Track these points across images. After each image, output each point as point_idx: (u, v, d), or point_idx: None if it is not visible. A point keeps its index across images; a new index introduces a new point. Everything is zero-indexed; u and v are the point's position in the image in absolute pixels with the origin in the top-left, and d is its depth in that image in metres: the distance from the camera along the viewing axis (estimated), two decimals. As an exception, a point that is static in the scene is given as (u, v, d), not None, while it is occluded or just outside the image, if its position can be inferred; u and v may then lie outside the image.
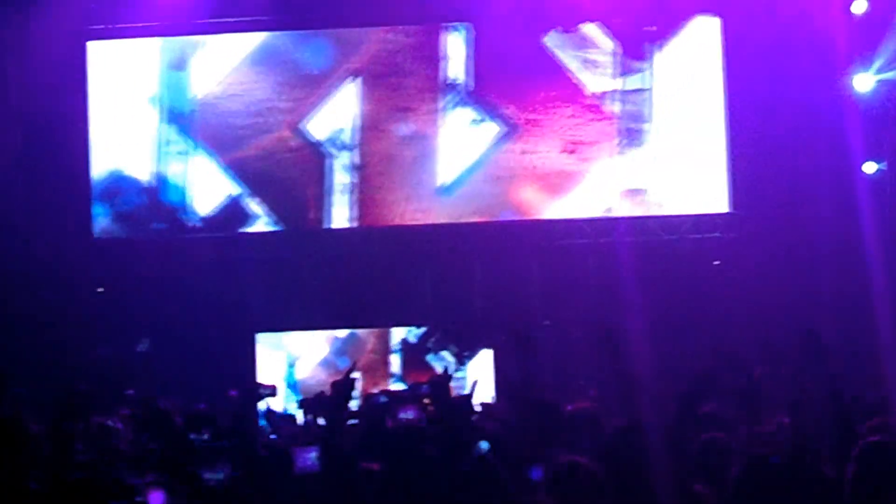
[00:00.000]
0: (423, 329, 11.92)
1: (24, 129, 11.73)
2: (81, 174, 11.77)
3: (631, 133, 10.74)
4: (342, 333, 12.00)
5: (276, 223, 10.43)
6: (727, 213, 11.64)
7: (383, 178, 10.15)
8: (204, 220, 11.05)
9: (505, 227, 11.75)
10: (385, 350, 11.80)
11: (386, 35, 9.68)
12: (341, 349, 11.91)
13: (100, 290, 12.08)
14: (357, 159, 10.03)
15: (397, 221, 10.63)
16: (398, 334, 11.97)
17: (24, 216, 11.78)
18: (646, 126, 10.86)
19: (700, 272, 11.60)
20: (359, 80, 9.89)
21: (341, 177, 10.14)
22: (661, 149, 11.37)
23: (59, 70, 11.64)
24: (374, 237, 11.79)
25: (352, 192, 10.16)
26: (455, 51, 9.76)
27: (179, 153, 10.94)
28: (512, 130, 9.87)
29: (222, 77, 10.46)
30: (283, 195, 10.02)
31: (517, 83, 9.76)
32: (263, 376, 11.65)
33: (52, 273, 11.59)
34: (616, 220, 11.70)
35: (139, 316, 11.89)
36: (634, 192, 10.74)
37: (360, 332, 11.98)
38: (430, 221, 10.59)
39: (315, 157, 10.03)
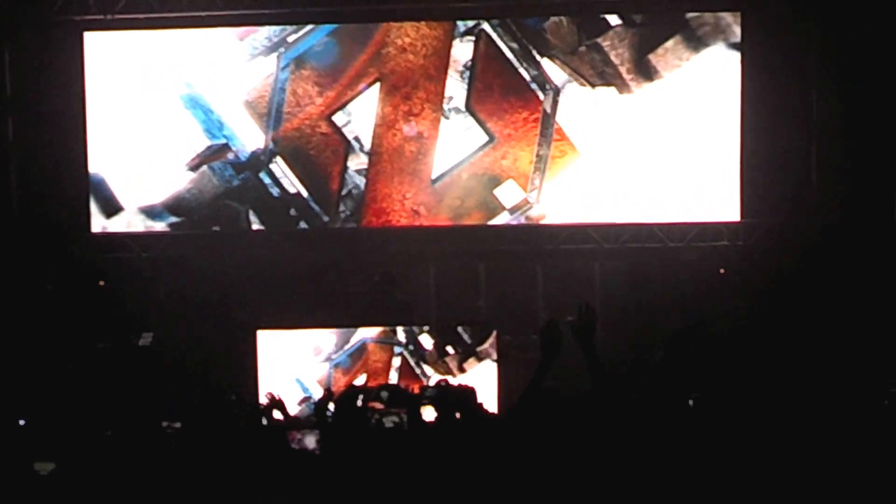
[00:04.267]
0: (424, 333, 11.71)
1: (19, 121, 11.70)
2: (79, 168, 11.73)
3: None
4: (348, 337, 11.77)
5: (306, 197, 11.69)
6: (734, 222, 11.55)
7: (390, 165, 11.55)
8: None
9: (510, 230, 11.78)
10: (388, 357, 11.74)
11: (406, 55, 11.34)
12: (343, 350, 11.73)
13: (101, 283, 11.98)
14: (371, 148, 11.48)
15: (398, 205, 11.57)
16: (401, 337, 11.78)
17: (22, 210, 11.73)
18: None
19: (705, 280, 11.50)
20: (379, 85, 11.41)
21: (359, 160, 11.53)
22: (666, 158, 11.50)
23: (55, 61, 11.59)
24: (378, 236, 11.86)
25: (365, 174, 11.62)
26: (456, 75, 11.38)
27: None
28: (492, 140, 11.30)
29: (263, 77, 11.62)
30: (313, 169, 11.64)
31: (500, 104, 11.32)
32: (265, 374, 11.48)
33: (50, 267, 11.55)
34: (622, 226, 11.66)
35: (139, 311, 11.79)
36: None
37: (365, 337, 11.75)
38: (423, 205, 11.51)
39: (340, 142, 11.49)
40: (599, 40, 11.40)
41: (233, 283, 11.90)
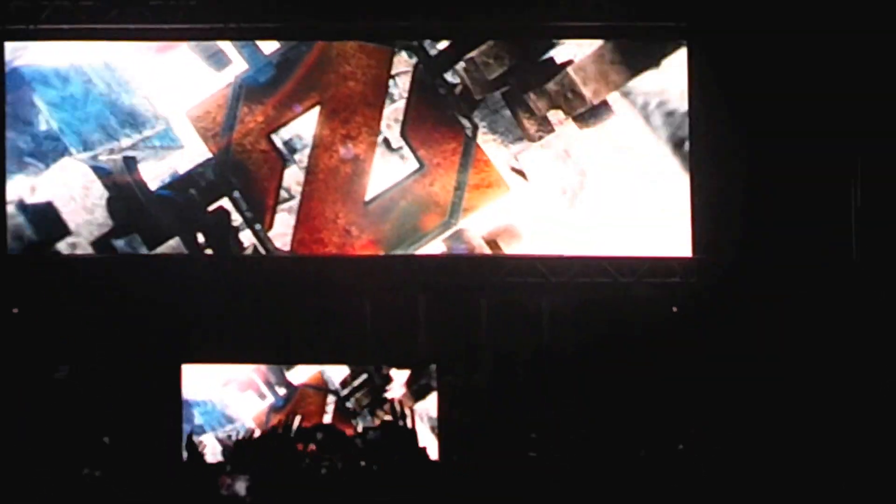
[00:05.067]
0: (360, 377, 11.42)
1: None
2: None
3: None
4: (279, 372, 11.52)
5: (243, 211, 11.44)
6: (688, 258, 11.14)
7: (325, 185, 11.37)
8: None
9: (451, 261, 11.33)
10: (322, 398, 11.49)
11: (347, 81, 11.30)
12: (276, 391, 11.49)
13: (14, 310, 11.30)
14: (308, 167, 11.32)
15: (330, 224, 11.37)
16: (336, 375, 11.45)
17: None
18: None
19: (657, 318, 11.07)
20: (319, 108, 11.32)
21: (296, 178, 11.34)
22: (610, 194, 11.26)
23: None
24: (312, 266, 11.32)
25: (301, 191, 11.42)
26: (393, 104, 11.33)
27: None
28: (423, 167, 11.24)
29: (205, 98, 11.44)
30: (250, 184, 11.44)
31: (431, 134, 11.27)
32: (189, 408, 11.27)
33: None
34: (571, 259, 11.20)
35: (56, 340, 11.16)
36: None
37: (296, 376, 11.51)
38: (355, 225, 11.34)
39: (278, 159, 11.32)
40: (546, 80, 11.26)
41: (159, 311, 11.21)
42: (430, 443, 11.07)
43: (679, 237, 11.13)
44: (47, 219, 11.20)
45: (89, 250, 11.20)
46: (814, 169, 10.86)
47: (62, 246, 11.22)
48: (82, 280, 11.19)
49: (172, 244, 11.27)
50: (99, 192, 11.21)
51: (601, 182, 11.20)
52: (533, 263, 11.23)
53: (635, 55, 11.18)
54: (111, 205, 11.21)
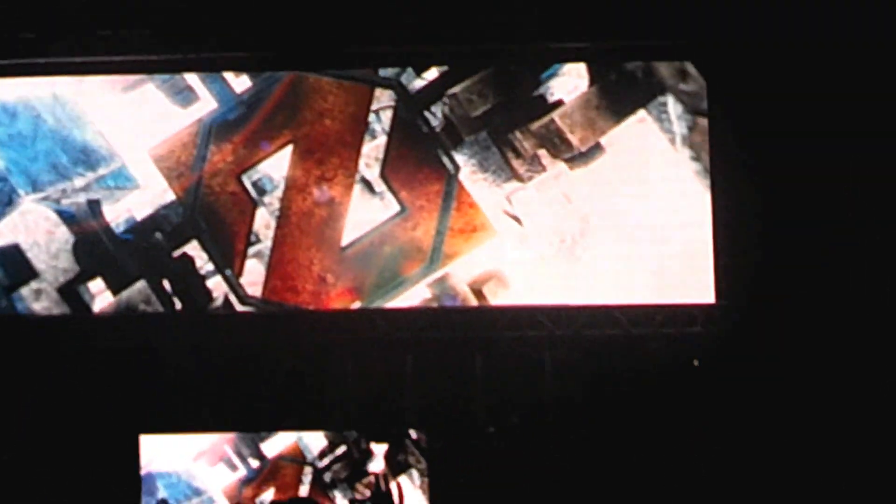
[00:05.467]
0: (339, 448, 10.36)
1: None
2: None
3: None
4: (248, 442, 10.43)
5: (211, 257, 10.58)
6: (711, 305, 10.01)
7: (298, 229, 10.55)
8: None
9: (442, 314, 10.25)
10: (298, 470, 10.48)
11: (323, 119, 10.52)
12: (249, 462, 10.45)
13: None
14: (280, 211, 10.52)
15: (304, 271, 10.53)
16: (314, 445, 10.37)
17: None
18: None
19: (676, 373, 9.99)
20: (292, 147, 10.50)
21: (267, 221, 10.53)
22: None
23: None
24: (286, 322, 10.30)
25: (273, 236, 10.60)
26: (372, 143, 10.54)
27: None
28: (404, 210, 10.44)
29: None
30: (219, 228, 10.61)
31: (414, 175, 10.47)
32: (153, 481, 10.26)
33: None
34: (577, 309, 10.09)
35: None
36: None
37: (271, 447, 10.45)
38: (331, 272, 10.49)
39: (248, 202, 10.49)
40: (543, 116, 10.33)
41: (114, 373, 10.23)
42: (421, 517, 10.09)
43: (700, 281, 10.02)
44: (15, 261, 10.38)
45: (55, 296, 10.36)
46: (856, 203, 9.83)
47: (26, 292, 10.37)
48: (28, 338, 10.23)
49: (139, 287, 10.38)
50: (64, 237, 10.36)
51: (606, 226, 10.19)
52: (534, 314, 10.12)
53: (622, 99, 10.26)
54: (76, 250, 10.36)
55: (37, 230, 10.37)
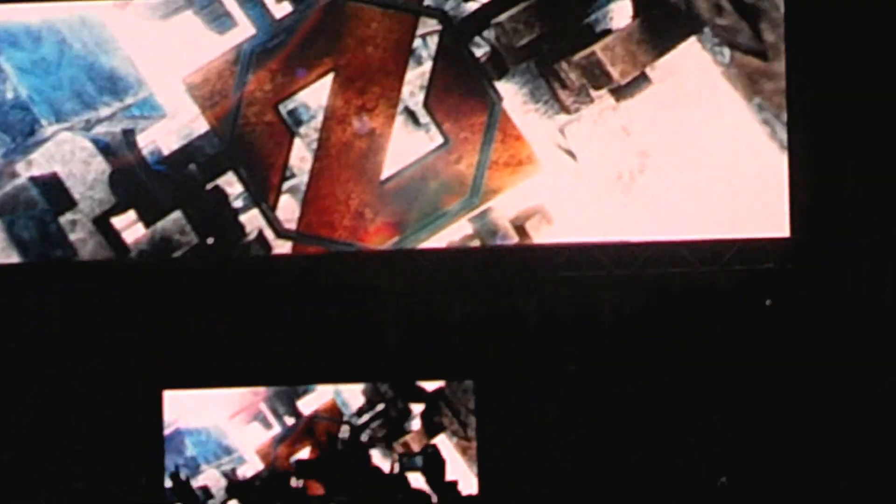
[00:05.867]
0: (377, 406, 9.85)
1: None
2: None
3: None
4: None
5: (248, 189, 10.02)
6: (785, 239, 9.32)
7: (336, 162, 10.01)
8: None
9: (491, 253, 9.61)
10: (335, 429, 9.91)
11: (365, 47, 10.01)
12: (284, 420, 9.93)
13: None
14: (318, 143, 9.99)
15: (341, 206, 9.92)
16: (352, 402, 9.83)
17: None
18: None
19: (747, 315, 9.28)
20: (332, 76, 10.00)
21: (303, 154, 9.99)
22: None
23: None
24: (322, 265, 9.70)
25: (310, 169, 10.06)
26: (416, 72, 10.05)
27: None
28: (448, 142, 9.93)
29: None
30: (254, 160, 10.07)
31: (458, 106, 9.98)
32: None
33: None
34: (638, 246, 9.40)
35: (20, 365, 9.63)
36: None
37: (307, 404, 9.93)
38: (369, 207, 9.91)
39: (285, 133, 9.96)
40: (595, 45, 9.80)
41: (137, 322, 9.66)
42: (464, 475, 9.44)
43: (773, 214, 9.34)
44: (55, 191, 9.87)
45: (90, 227, 9.85)
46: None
47: (62, 221, 9.86)
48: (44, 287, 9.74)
49: (174, 217, 9.87)
50: (101, 168, 9.85)
51: (666, 160, 9.56)
52: (591, 253, 9.45)
53: (664, 32, 9.71)
54: (112, 181, 9.85)
55: (73, 160, 9.89)
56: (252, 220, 9.77)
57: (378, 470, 9.40)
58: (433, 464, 9.42)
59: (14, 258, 9.73)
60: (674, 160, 9.53)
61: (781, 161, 9.33)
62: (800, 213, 9.26)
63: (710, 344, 9.12)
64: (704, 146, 9.49)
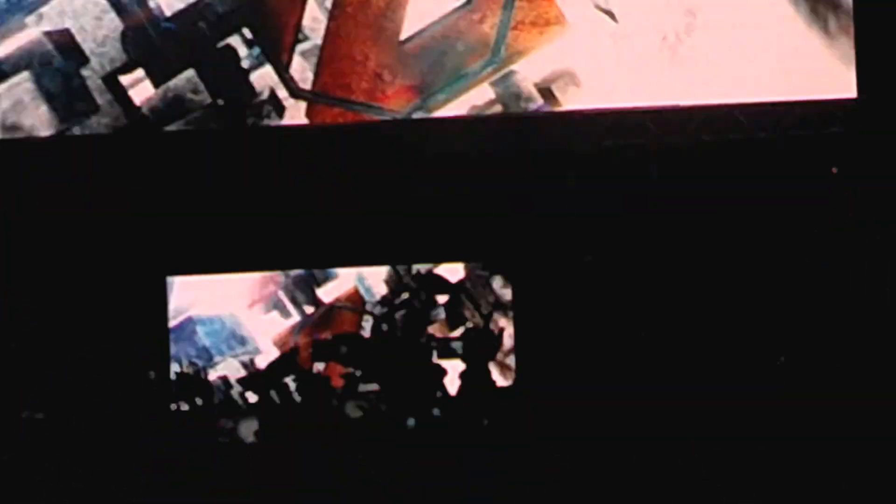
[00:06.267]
0: (400, 296, 9.51)
1: None
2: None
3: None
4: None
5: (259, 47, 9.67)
6: (852, 100, 8.84)
7: (353, 21, 9.66)
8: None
9: (524, 121, 9.17)
10: (357, 319, 9.63)
11: None
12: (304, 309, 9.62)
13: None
14: (334, 1, 9.64)
15: (359, 67, 9.61)
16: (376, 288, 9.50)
17: None
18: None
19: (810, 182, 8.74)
20: None
21: (317, 13, 9.71)
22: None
23: None
24: (340, 138, 9.20)
25: (326, 28, 9.72)
26: None
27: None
28: (471, 1, 9.61)
29: None
30: (268, 17, 9.76)
31: None
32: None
33: None
34: (688, 110, 8.88)
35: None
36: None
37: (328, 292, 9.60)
38: (388, 69, 9.59)
39: None
40: None
41: (138, 203, 9.04)
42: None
43: (838, 73, 8.90)
44: (68, 47, 9.59)
45: (99, 85, 9.53)
46: None
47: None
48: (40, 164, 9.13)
49: (187, 76, 9.54)
50: (113, 25, 9.55)
51: (716, 18, 9.11)
52: (638, 119, 8.88)
53: None
54: (124, 38, 9.56)
55: (84, 15, 9.57)
56: (263, 79, 9.44)
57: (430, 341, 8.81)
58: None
59: (43, 108, 9.40)
60: (724, 18, 9.06)
61: (847, 14, 8.89)
62: (868, 71, 8.78)
63: (768, 216, 8.57)
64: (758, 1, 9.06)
